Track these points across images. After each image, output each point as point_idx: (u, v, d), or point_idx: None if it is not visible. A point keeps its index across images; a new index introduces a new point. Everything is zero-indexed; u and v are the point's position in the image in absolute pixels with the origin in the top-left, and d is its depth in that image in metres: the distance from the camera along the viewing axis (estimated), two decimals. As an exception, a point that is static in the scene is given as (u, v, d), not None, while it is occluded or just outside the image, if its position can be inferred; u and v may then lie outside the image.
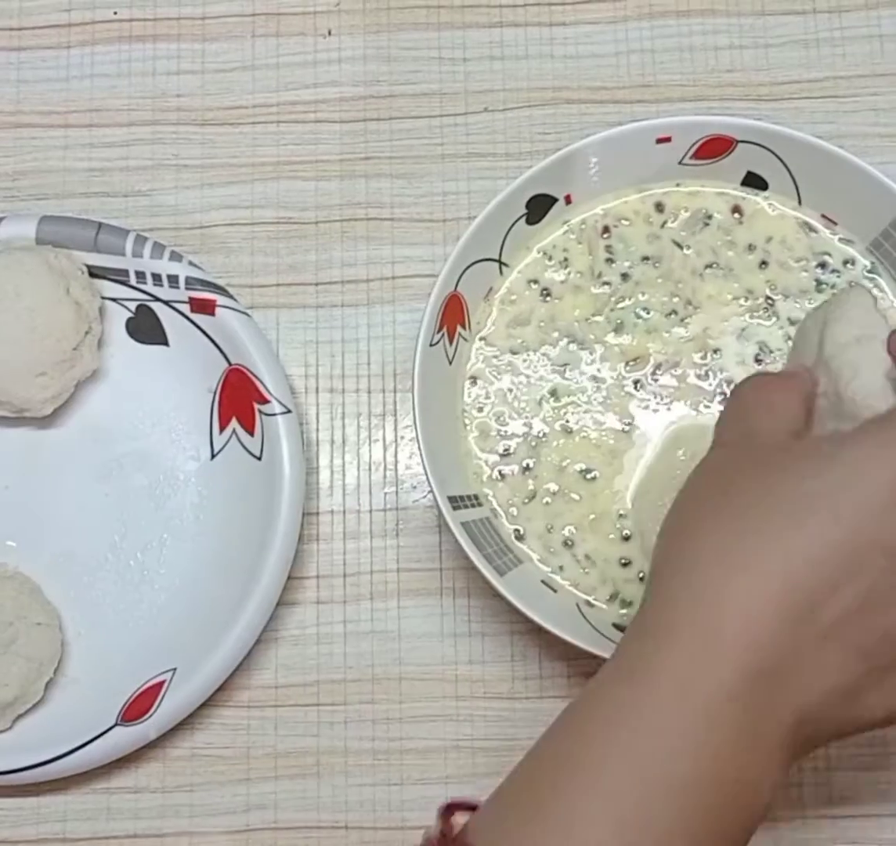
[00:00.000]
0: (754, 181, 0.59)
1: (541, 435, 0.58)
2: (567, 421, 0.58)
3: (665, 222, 0.60)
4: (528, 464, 0.57)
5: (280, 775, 0.59)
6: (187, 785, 0.59)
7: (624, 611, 0.56)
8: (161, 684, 0.57)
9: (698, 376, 0.58)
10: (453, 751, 0.58)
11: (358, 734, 0.59)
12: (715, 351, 0.58)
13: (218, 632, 0.57)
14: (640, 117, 0.64)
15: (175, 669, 0.57)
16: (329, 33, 0.67)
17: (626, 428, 0.57)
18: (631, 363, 0.58)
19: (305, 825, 0.58)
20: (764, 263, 0.59)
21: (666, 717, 0.37)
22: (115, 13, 0.67)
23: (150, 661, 0.58)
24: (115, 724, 0.56)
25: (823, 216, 0.59)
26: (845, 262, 0.59)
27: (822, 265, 0.59)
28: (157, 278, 0.61)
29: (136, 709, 0.56)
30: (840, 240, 0.59)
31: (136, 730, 0.56)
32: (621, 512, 0.56)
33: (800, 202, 0.59)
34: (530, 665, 0.59)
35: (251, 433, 0.60)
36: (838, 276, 0.59)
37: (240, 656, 0.57)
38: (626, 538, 0.56)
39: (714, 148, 0.58)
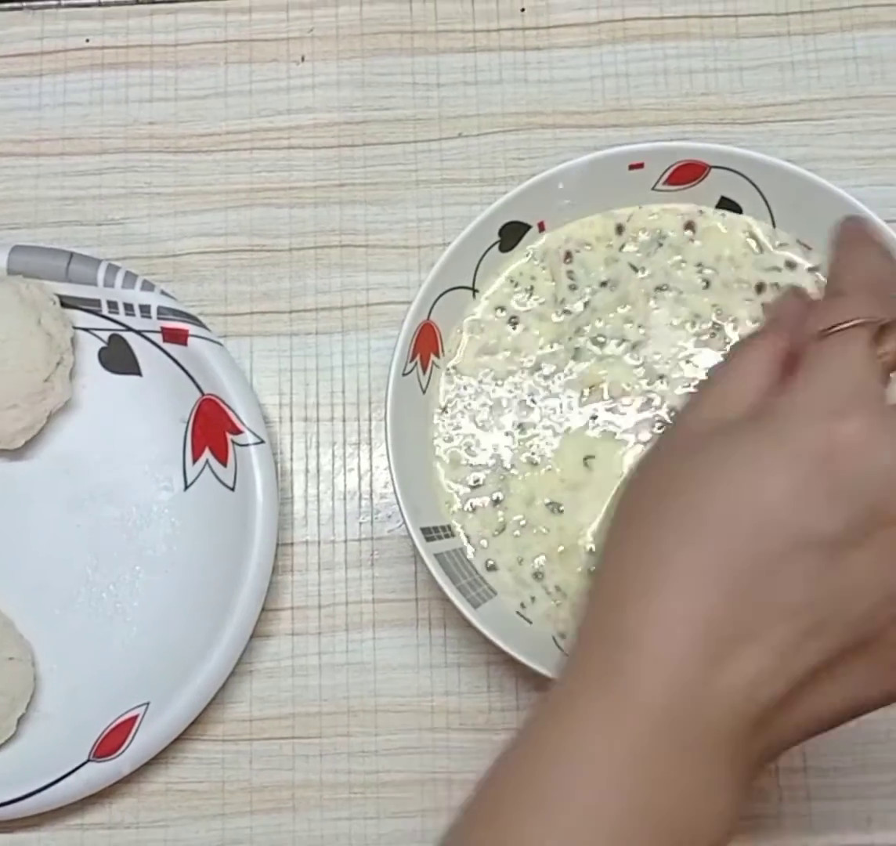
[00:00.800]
0: (729, 206, 0.59)
1: (509, 467, 0.57)
2: (532, 453, 0.57)
3: (624, 245, 0.59)
4: (497, 497, 0.57)
5: (255, 810, 0.58)
6: (162, 820, 0.58)
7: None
8: (134, 719, 0.56)
9: (650, 405, 0.57)
10: (430, 784, 0.58)
11: (333, 767, 0.58)
12: (660, 377, 0.58)
13: (191, 665, 0.56)
14: (614, 141, 0.64)
15: (148, 704, 0.56)
16: (303, 59, 0.66)
17: (587, 460, 0.57)
18: (586, 394, 0.58)
19: (281, 860, 0.57)
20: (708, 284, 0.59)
21: (596, 760, 0.36)
22: (88, 41, 0.67)
23: (122, 696, 0.57)
24: (88, 760, 0.56)
25: (799, 242, 0.58)
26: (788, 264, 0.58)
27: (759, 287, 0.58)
28: (129, 308, 0.61)
29: (109, 744, 0.56)
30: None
31: (109, 766, 0.56)
32: (590, 547, 0.56)
33: (774, 226, 0.59)
34: (507, 696, 0.58)
35: (224, 464, 0.60)
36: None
37: (213, 690, 0.56)
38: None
39: (687, 174, 0.58)
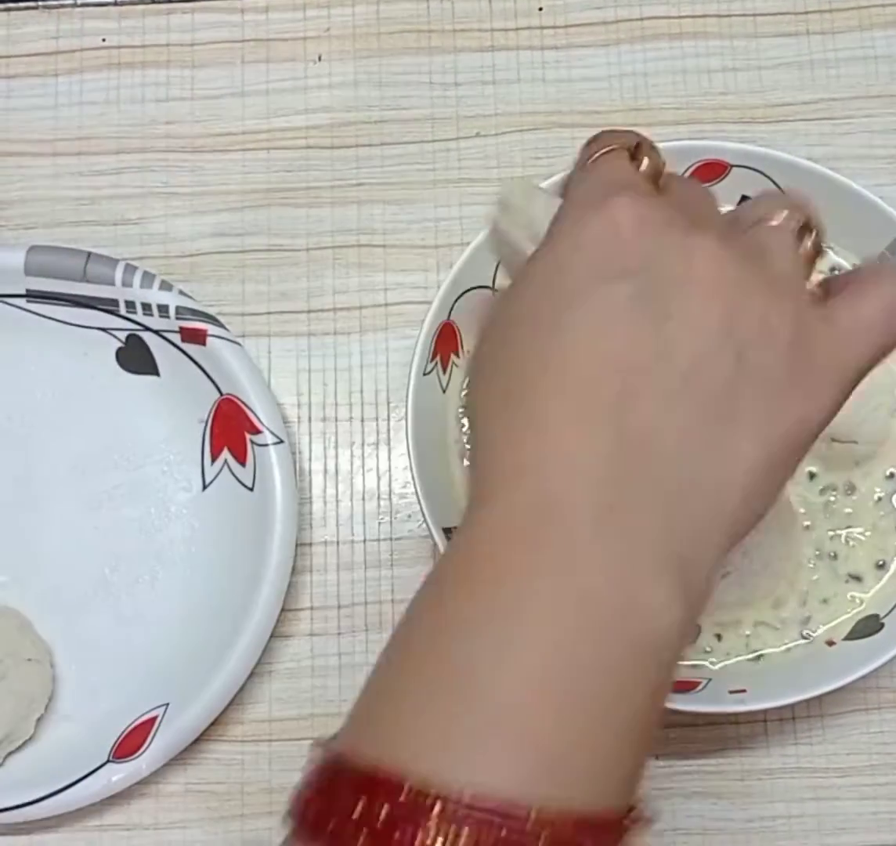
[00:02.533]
0: (749, 205, 0.59)
1: None
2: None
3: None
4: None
5: (275, 811, 0.57)
6: (181, 821, 0.58)
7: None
8: (153, 720, 0.56)
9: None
10: (450, 785, 0.58)
11: (353, 768, 0.58)
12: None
13: (210, 666, 0.56)
14: (633, 141, 0.64)
15: (167, 705, 0.56)
16: (319, 59, 0.66)
17: None
18: None
19: (301, 862, 0.57)
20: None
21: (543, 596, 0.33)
22: (104, 40, 0.67)
23: (142, 697, 0.57)
24: (108, 761, 0.55)
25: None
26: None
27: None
28: (147, 308, 0.60)
29: (129, 745, 0.56)
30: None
31: (129, 767, 0.55)
32: None
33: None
34: (527, 696, 0.58)
35: (243, 463, 0.59)
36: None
37: (233, 690, 0.56)
38: None
39: (708, 172, 0.58)
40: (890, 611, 0.54)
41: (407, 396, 0.54)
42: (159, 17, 0.67)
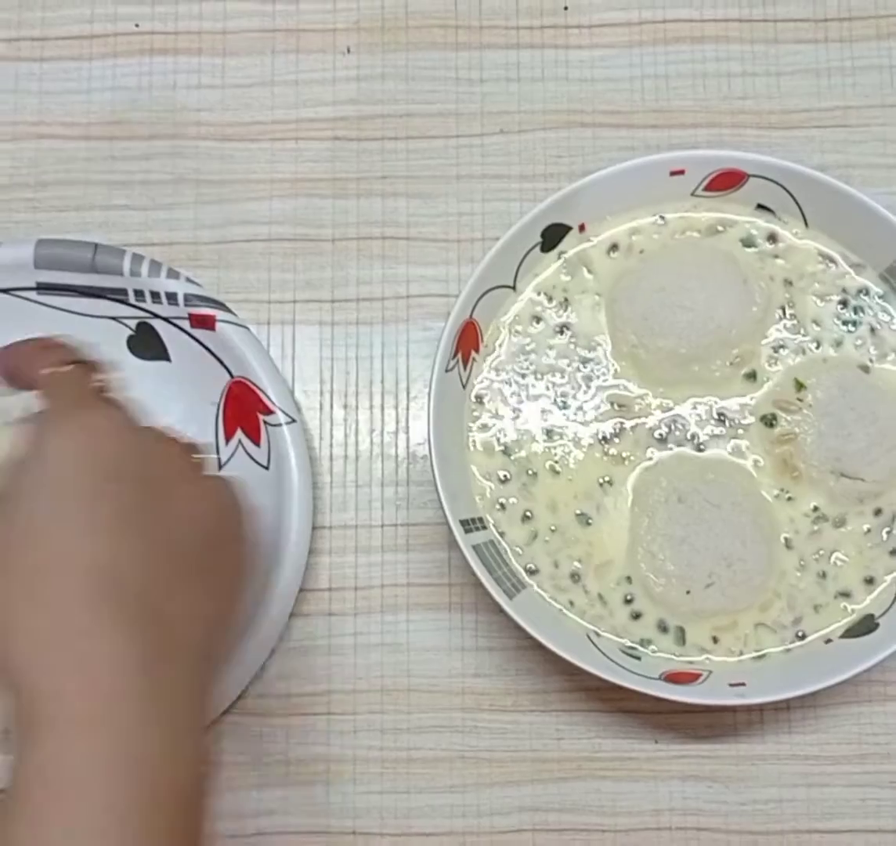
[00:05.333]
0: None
1: (531, 473, 0.59)
2: (555, 461, 0.59)
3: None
4: (527, 512, 0.59)
5: (290, 782, 0.61)
6: (201, 789, 0.60)
7: (635, 643, 0.58)
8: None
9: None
10: (459, 761, 0.60)
11: (367, 743, 0.61)
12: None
13: (235, 640, 0.58)
14: (652, 142, 0.65)
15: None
16: (348, 51, 0.68)
17: (602, 479, 0.59)
18: (616, 407, 0.60)
19: (314, 830, 0.60)
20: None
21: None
22: (137, 25, 0.68)
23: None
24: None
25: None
26: (859, 291, 0.60)
27: (843, 303, 0.60)
28: (155, 296, 0.62)
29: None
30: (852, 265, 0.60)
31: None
32: (628, 576, 0.58)
33: (807, 226, 0.60)
34: (534, 679, 0.61)
35: (257, 443, 0.62)
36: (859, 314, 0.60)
37: (259, 662, 0.59)
38: (629, 600, 0.58)
39: (726, 181, 0.59)
40: (885, 612, 0.57)
41: (429, 392, 0.56)
42: (192, 4, 0.68)
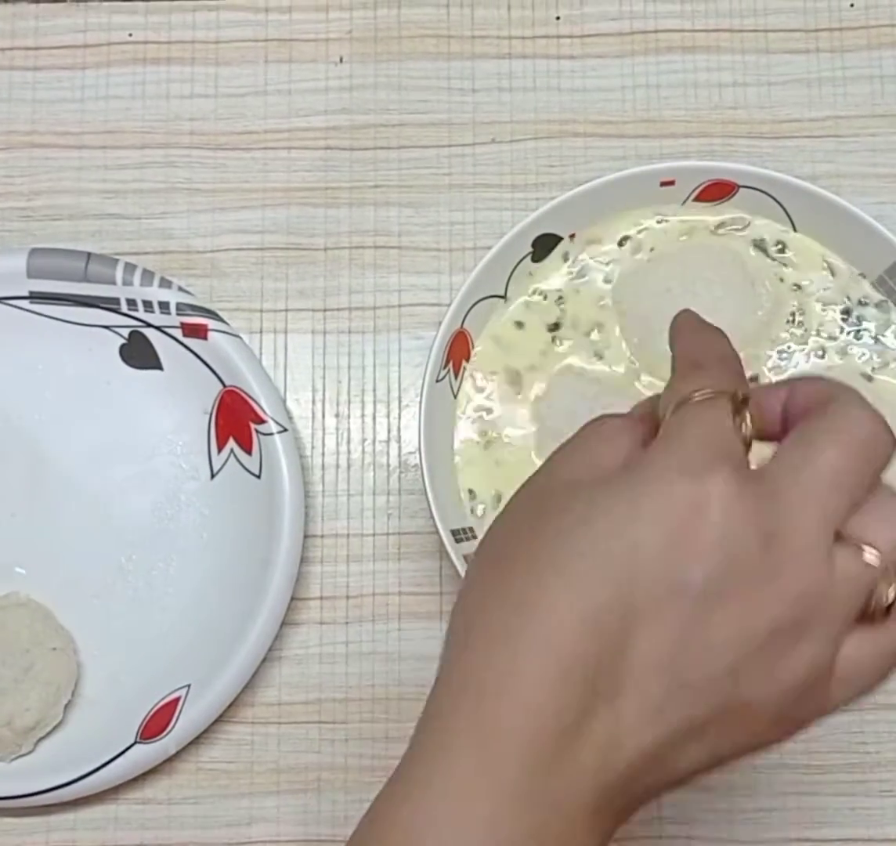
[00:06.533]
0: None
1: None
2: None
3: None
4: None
5: (282, 790, 0.61)
6: (192, 797, 0.61)
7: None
8: (177, 700, 0.58)
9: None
10: (449, 770, 0.60)
11: (358, 751, 0.61)
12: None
13: (228, 647, 0.59)
14: (643, 152, 0.66)
15: (189, 685, 0.58)
16: (341, 60, 0.68)
17: None
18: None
19: (306, 838, 0.60)
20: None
21: (451, 836, 0.35)
22: (130, 35, 0.68)
23: (162, 679, 0.59)
24: (135, 742, 0.58)
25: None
26: (861, 300, 0.60)
27: (847, 311, 0.60)
28: (148, 305, 0.62)
29: (155, 725, 0.58)
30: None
31: (156, 747, 0.58)
32: None
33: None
34: (525, 688, 0.61)
35: (249, 452, 0.62)
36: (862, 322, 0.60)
37: (251, 670, 0.59)
38: None
39: (716, 191, 0.60)
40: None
41: (420, 402, 0.57)
42: (185, 14, 0.69)
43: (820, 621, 0.35)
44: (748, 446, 0.37)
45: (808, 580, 0.35)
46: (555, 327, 0.61)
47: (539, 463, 0.40)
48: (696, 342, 0.41)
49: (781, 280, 0.60)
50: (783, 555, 0.35)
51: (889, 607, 0.36)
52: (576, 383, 0.60)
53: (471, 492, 0.59)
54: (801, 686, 0.36)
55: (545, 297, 0.61)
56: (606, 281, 0.61)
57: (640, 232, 0.61)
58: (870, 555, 0.36)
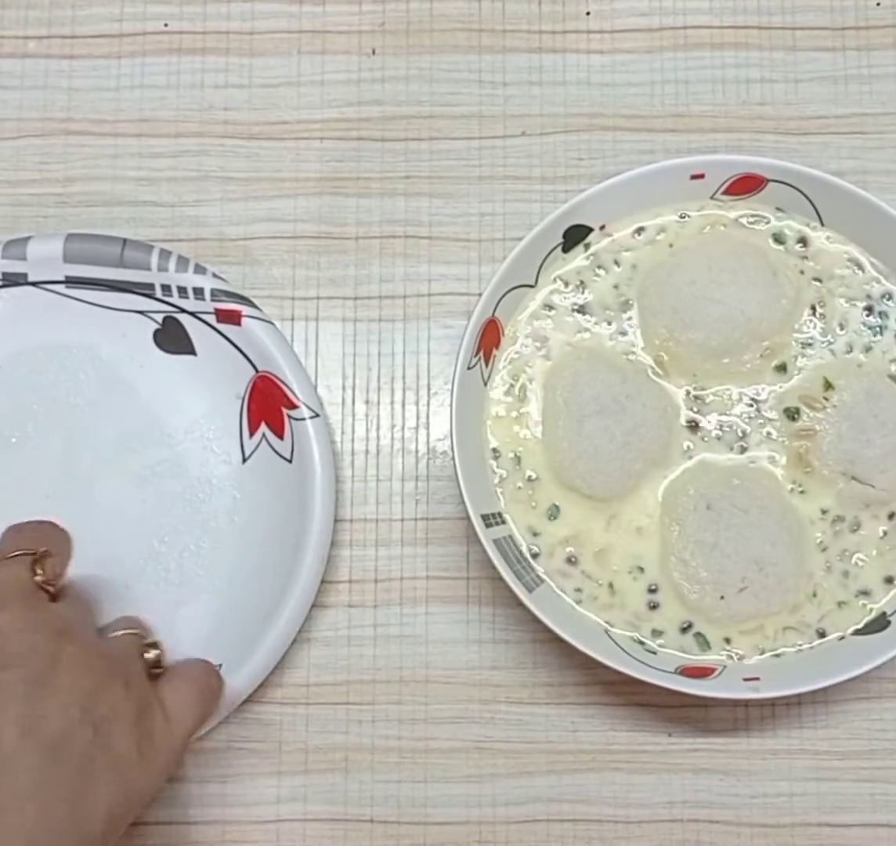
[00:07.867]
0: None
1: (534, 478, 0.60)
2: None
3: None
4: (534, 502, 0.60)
5: (310, 770, 0.62)
6: (221, 776, 0.62)
7: (649, 637, 0.59)
8: (210, 679, 0.59)
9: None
10: (475, 752, 0.61)
11: (385, 733, 0.62)
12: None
13: (259, 629, 0.60)
14: (671, 146, 0.67)
15: (220, 666, 0.59)
16: (373, 52, 0.69)
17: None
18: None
19: (333, 818, 0.61)
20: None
21: None
22: (166, 25, 0.69)
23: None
24: (167, 722, 0.59)
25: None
26: (883, 297, 0.61)
27: (869, 309, 0.61)
28: (182, 291, 0.63)
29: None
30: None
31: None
32: (640, 565, 0.59)
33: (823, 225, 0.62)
34: (550, 672, 0.62)
35: (281, 437, 0.63)
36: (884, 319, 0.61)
37: (281, 652, 0.60)
38: (653, 590, 0.59)
39: (745, 185, 0.61)
40: (897, 610, 0.58)
41: (452, 389, 0.57)
42: (220, 4, 0.69)
43: (120, 673, 0.53)
44: (52, 587, 0.56)
45: (89, 658, 0.52)
46: (580, 310, 0.61)
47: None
48: (21, 524, 0.59)
49: (802, 272, 0.61)
50: (70, 644, 0.52)
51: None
52: (600, 372, 0.61)
53: (494, 450, 0.60)
54: (134, 718, 0.52)
55: (567, 284, 0.62)
56: (624, 267, 0.62)
57: (659, 225, 0.62)
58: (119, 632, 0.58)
